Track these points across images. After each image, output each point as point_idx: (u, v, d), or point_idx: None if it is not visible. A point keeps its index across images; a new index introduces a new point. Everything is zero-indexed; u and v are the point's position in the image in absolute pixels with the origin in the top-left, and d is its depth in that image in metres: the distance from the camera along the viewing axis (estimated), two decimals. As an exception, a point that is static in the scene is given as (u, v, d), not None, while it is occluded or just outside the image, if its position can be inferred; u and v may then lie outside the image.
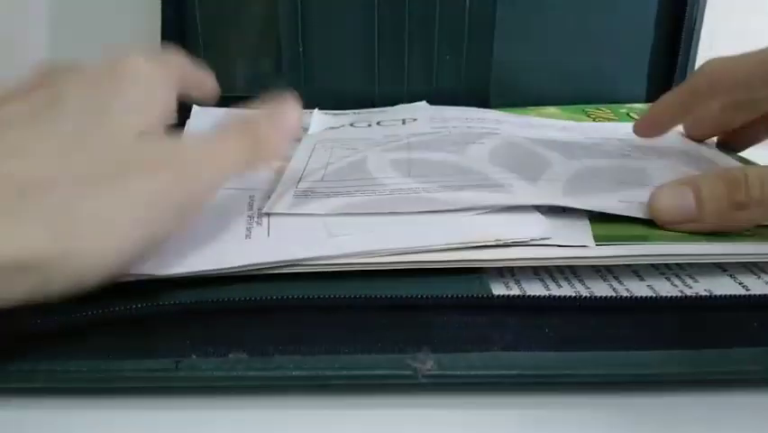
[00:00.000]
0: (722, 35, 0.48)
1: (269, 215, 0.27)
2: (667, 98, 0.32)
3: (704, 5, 0.45)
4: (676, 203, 0.25)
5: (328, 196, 0.28)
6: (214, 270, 0.23)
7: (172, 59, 0.27)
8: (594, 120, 0.43)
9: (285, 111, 0.26)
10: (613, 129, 0.40)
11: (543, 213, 0.26)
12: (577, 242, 0.24)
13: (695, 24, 0.45)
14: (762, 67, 0.28)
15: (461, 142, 0.34)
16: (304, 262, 0.23)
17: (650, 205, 0.26)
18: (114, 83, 0.22)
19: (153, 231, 0.21)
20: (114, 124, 0.21)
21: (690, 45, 0.45)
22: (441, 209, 0.26)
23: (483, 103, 0.46)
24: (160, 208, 0.21)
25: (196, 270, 0.23)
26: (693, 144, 0.36)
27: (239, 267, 0.23)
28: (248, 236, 0.25)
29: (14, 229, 0.18)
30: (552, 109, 0.45)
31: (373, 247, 0.24)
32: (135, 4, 0.49)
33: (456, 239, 0.24)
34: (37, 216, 0.18)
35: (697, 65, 0.46)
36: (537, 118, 0.43)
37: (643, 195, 0.27)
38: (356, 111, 0.45)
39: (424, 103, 0.45)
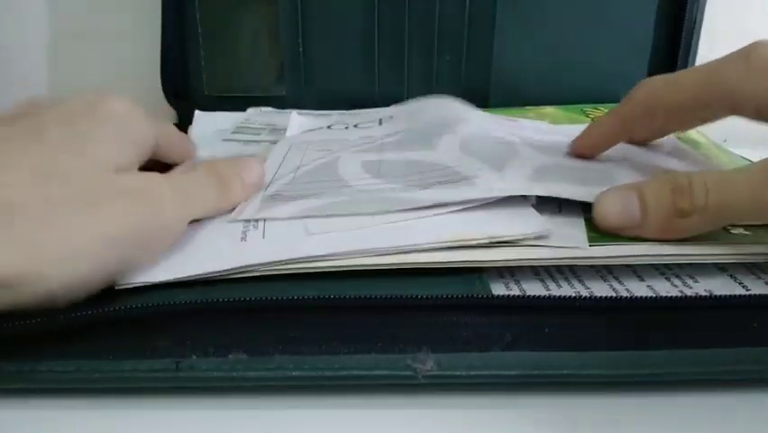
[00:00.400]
0: (722, 35, 0.48)
1: (241, 221, 0.26)
2: (604, 122, 0.32)
3: (704, 5, 0.45)
4: (620, 208, 0.25)
5: (295, 199, 0.28)
6: (209, 273, 0.23)
7: (160, 123, 0.29)
8: (593, 120, 0.43)
9: (249, 162, 0.29)
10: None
11: (538, 211, 0.26)
12: (572, 242, 0.24)
13: (695, 24, 0.45)
14: (705, 90, 0.27)
15: (432, 134, 0.34)
16: (295, 262, 0.23)
17: (594, 209, 0.25)
18: (93, 118, 0.24)
19: (121, 259, 0.22)
20: (90, 157, 0.22)
21: (690, 45, 0.45)
22: (405, 208, 0.26)
23: (483, 103, 0.46)
24: (129, 238, 0.22)
25: (193, 273, 0.23)
26: (662, 145, 0.36)
27: (232, 269, 0.23)
28: (243, 239, 0.25)
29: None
30: (550, 109, 0.45)
31: (359, 246, 0.24)
32: (136, 4, 0.49)
33: (446, 237, 0.24)
34: (8, 238, 0.19)
35: (697, 64, 0.46)
36: (505, 117, 0.43)
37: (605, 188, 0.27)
38: (340, 111, 0.45)
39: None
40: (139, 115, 0.25)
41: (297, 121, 0.41)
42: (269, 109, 0.46)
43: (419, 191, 0.27)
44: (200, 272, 0.23)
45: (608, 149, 0.33)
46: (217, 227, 0.26)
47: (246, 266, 0.23)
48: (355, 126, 0.39)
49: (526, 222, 0.25)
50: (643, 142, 0.35)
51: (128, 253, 0.22)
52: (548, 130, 0.39)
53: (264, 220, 0.26)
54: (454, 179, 0.28)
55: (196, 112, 0.43)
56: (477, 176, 0.28)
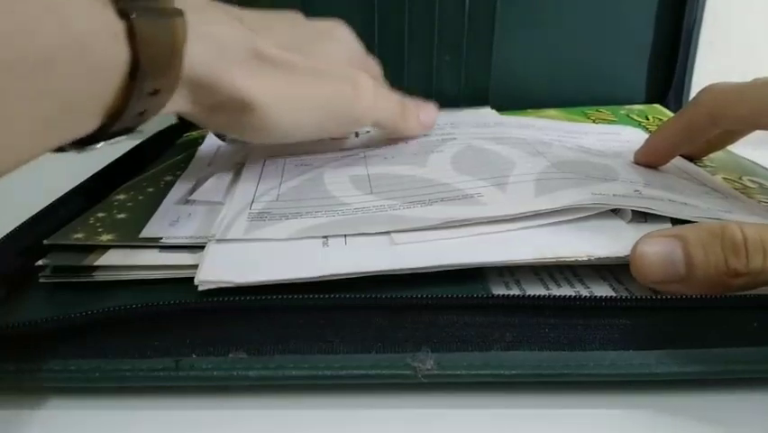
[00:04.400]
0: (722, 35, 0.48)
1: (221, 241, 0.25)
2: (666, 128, 0.31)
3: (704, 5, 0.45)
4: (662, 261, 0.22)
5: (287, 217, 0.26)
6: (295, 278, 0.22)
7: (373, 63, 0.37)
8: (594, 121, 0.43)
9: (429, 106, 0.37)
10: (572, 127, 0.40)
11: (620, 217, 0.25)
12: None
13: (694, 25, 0.45)
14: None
15: (419, 152, 0.34)
16: (370, 273, 0.23)
17: (632, 260, 0.22)
18: (329, 31, 0.33)
19: (317, 124, 0.30)
20: (326, 51, 0.32)
21: (690, 45, 0.46)
22: (410, 227, 0.25)
23: (483, 104, 0.46)
24: (331, 110, 0.30)
25: (279, 277, 0.22)
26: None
27: (318, 276, 0.22)
28: (325, 244, 0.24)
29: (263, 82, 0.27)
30: (552, 111, 0.45)
31: (450, 260, 0.23)
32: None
33: (548, 255, 0.23)
34: (280, 79, 0.27)
35: (696, 65, 0.46)
36: (494, 116, 0.42)
37: (613, 188, 0.27)
38: None
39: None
40: (354, 40, 0.34)
41: None
42: None
43: (421, 208, 0.27)
44: (286, 277, 0.22)
45: (673, 156, 0.32)
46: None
47: (332, 274, 0.22)
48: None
49: (623, 241, 0.24)
50: (698, 155, 0.34)
51: (324, 123, 0.30)
52: (544, 126, 0.39)
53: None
54: (456, 196, 0.28)
55: None
56: (480, 194, 0.28)
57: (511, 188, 0.28)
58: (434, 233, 0.25)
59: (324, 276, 0.22)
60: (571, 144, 0.35)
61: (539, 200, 0.26)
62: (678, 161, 0.34)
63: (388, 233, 0.25)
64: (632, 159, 0.33)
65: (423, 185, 0.29)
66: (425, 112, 0.36)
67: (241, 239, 0.25)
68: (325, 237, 0.25)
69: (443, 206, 0.27)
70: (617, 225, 0.25)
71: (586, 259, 0.23)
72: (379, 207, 0.27)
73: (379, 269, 0.23)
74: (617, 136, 0.38)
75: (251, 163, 0.34)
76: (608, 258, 0.23)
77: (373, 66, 0.36)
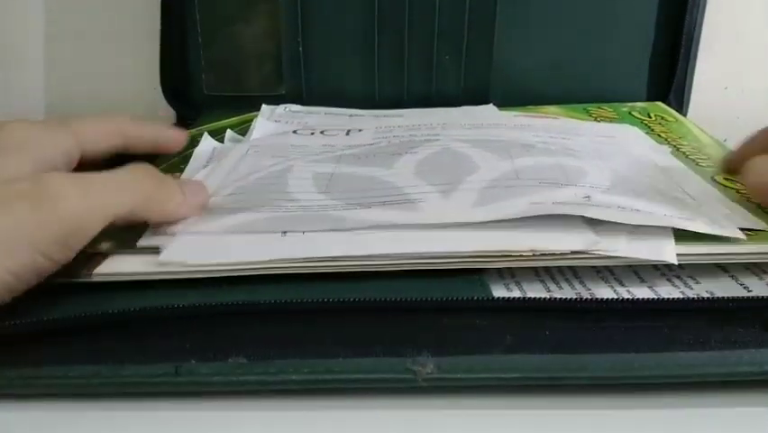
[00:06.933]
0: (722, 35, 0.48)
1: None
2: (757, 138, 0.30)
3: (704, 6, 0.45)
4: None
5: (231, 212, 0.27)
6: (252, 261, 0.23)
7: (112, 120, 0.31)
8: (596, 119, 0.43)
9: (198, 188, 0.28)
10: (569, 128, 0.39)
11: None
12: (658, 256, 0.23)
13: (695, 24, 0.45)
14: None
15: (394, 153, 0.34)
16: (331, 261, 0.23)
17: (748, 177, 0.26)
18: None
19: (21, 263, 0.21)
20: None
21: (691, 45, 0.45)
22: (345, 228, 0.25)
23: (483, 103, 0.46)
24: (30, 235, 0.21)
25: (237, 260, 0.23)
26: (645, 149, 0.36)
27: (273, 260, 0.23)
28: (284, 234, 0.25)
29: None
30: (554, 108, 0.45)
31: (402, 250, 0.24)
32: (135, 4, 0.48)
33: (492, 248, 0.23)
34: None
35: (698, 63, 0.46)
36: (494, 115, 0.42)
37: (559, 195, 0.27)
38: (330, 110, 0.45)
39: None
40: (40, 132, 0.27)
41: (261, 126, 0.40)
42: (298, 108, 0.45)
43: (359, 210, 0.27)
44: (244, 260, 0.23)
45: None
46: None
47: (280, 258, 0.23)
48: (321, 133, 0.38)
49: (571, 235, 0.24)
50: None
51: (40, 249, 0.21)
52: (540, 127, 0.39)
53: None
54: (398, 200, 0.28)
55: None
56: (422, 200, 0.28)
57: (456, 195, 0.28)
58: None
59: (273, 259, 0.23)
60: (558, 146, 0.34)
61: (475, 211, 0.26)
62: (668, 163, 0.33)
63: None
64: (616, 161, 0.32)
65: (373, 187, 0.29)
66: (191, 191, 0.27)
67: (185, 232, 0.26)
68: (284, 232, 0.26)
69: (381, 210, 0.27)
70: (574, 223, 0.25)
71: (530, 253, 0.23)
72: (322, 207, 0.27)
73: (330, 255, 0.23)
74: (611, 139, 0.37)
75: (233, 153, 0.35)
76: (552, 253, 0.23)
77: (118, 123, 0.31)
